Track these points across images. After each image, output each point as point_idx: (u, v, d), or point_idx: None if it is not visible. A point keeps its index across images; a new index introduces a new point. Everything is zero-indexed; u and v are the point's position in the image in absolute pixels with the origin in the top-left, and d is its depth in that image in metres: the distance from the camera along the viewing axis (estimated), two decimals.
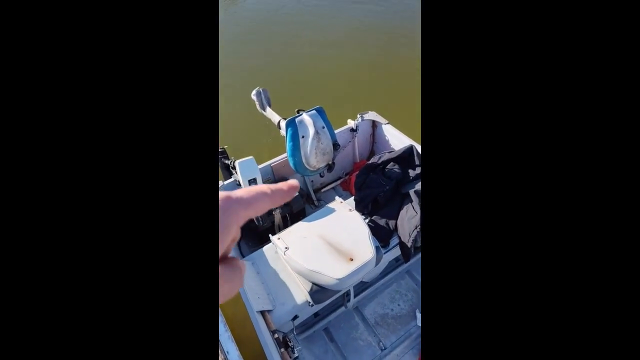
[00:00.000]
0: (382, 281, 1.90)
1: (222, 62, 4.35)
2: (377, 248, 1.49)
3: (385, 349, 1.66)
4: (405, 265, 1.96)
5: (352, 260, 1.38)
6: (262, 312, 1.43)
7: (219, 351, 1.22)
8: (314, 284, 1.43)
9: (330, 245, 1.45)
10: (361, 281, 1.78)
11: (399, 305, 1.82)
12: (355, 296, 1.80)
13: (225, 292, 0.24)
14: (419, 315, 1.76)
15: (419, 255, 2.00)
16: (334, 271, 1.35)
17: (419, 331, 1.71)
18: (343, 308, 1.78)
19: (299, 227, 1.57)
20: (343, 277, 1.33)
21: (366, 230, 1.49)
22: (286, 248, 1.47)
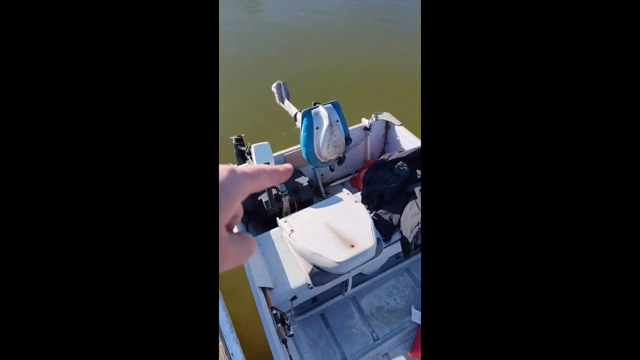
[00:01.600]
0: (381, 275, 1.96)
1: (243, 57, 4.48)
2: (378, 239, 1.54)
3: (377, 339, 1.71)
4: (405, 263, 2.01)
5: (352, 246, 1.45)
6: (263, 289, 1.51)
7: (224, 353, 1.26)
8: (314, 266, 1.50)
9: (334, 232, 1.52)
10: (360, 273, 1.84)
11: (395, 300, 1.87)
12: (353, 287, 1.86)
13: (232, 256, 0.25)
14: (414, 311, 1.80)
15: (419, 255, 2.05)
16: (335, 255, 1.41)
17: (413, 326, 1.76)
18: (341, 296, 1.84)
19: (306, 212, 1.65)
20: (342, 261, 1.40)
21: (369, 221, 1.55)
22: (292, 230, 1.55)
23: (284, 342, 1.40)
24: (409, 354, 1.67)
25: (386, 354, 1.68)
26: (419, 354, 1.67)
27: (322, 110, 1.75)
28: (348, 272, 1.53)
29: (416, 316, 1.78)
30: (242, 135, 2.15)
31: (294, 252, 1.60)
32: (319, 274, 1.50)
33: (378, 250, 1.54)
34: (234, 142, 2.10)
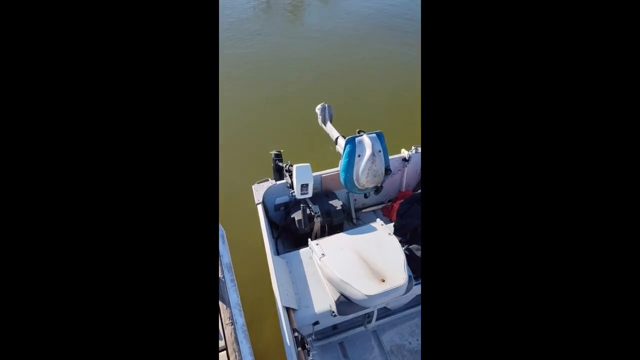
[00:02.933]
0: (405, 312, 1.90)
1: (284, 77, 4.65)
2: (409, 277, 1.51)
3: None
4: None
5: (383, 281, 1.43)
6: (287, 309, 1.51)
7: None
8: (341, 294, 1.48)
9: (365, 262, 1.51)
10: (385, 307, 1.80)
11: (417, 340, 1.80)
12: (377, 320, 1.82)
13: None
14: None
15: None
16: (365, 287, 1.40)
17: None
18: (362, 328, 1.80)
19: (339, 237, 1.65)
20: (372, 295, 1.38)
21: (402, 257, 1.53)
22: (323, 254, 1.56)
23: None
24: None
25: None
26: None
27: (366, 139, 1.77)
28: (375, 306, 1.51)
29: None
30: (282, 150, 2.21)
31: (323, 276, 1.59)
32: (345, 303, 1.48)
33: (408, 288, 1.51)
34: (273, 157, 2.16)
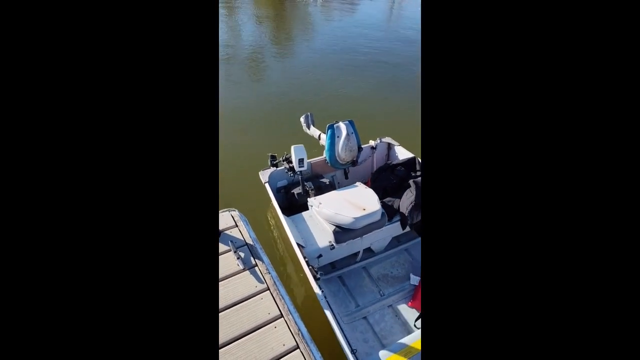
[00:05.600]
0: (386, 253, 2.48)
1: (280, 97, 5.41)
2: (382, 213, 2.14)
3: (384, 295, 2.19)
4: (405, 245, 2.54)
5: (364, 210, 2.04)
6: (299, 245, 2.07)
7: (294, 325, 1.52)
8: (336, 226, 2.07)
9: (350, 202, 2.13)
10: (370, 249, 2.38)
11: (397, 270, 2.37)
12: (365, 259, 2.38)
13: None
14: (412, 277, 2.29)
15: (417, 240, 2.58)
16: (352, 213, 2.01)
17: (411, 287, 2.24)
18: (354, 265, 2.35)
19: (330, 193, 2.27)
20: (357, 217, 1.98)
21: (376, 197, 2.17)
22: (320, 203, 2.16)
23: (315, 278, 1.92)
24: (409, 304, 2.13)
25: (390, 305, 2.14)
26: (418, 306, 2.13)
27: (341, 124, 2.47)
28: (361, 233, 2.09)
29: (414, 280, 2.26)
30: (275, 154, 2.88)
31: (320, 218, 2.18)
32: (339, 232, 2.06)
33: (383, 219, 2.12)
34: (269, 157, 2.83)
